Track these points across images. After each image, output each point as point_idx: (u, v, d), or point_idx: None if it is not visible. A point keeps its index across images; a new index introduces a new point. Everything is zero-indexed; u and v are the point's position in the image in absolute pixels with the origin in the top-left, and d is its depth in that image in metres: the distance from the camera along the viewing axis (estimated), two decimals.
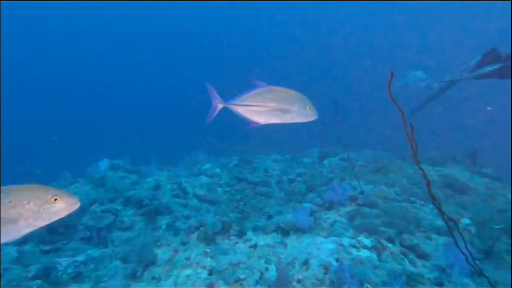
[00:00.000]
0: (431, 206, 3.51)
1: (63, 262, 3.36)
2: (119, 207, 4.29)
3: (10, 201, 1.39)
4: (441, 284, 2.42)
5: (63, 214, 1.48)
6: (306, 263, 2.81)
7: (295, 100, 2.09)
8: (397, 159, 6.08)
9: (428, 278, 2.50)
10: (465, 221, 2.88)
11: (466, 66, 5.05)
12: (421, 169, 1.84)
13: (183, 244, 3.78)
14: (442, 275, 2.50)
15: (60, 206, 1.47)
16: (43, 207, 1.43)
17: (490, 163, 5.76)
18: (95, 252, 3.63)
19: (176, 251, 3.68)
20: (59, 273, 3.21)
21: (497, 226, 2.72)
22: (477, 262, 2.60)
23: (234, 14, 30.48)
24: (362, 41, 26.54)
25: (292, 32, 29.86)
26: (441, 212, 1.84)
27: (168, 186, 4.94)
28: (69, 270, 3.27)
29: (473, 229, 2.82)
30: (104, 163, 5.42)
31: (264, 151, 8.36)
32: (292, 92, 2.12)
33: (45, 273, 3.20)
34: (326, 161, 6.83)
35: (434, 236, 3.02)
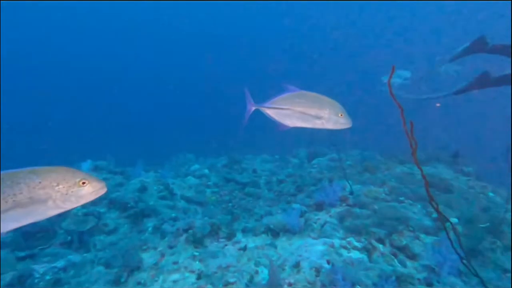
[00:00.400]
0: (419, 205, 3.55)
1: (40, 268, 3.18)
2: (102, 210, 4.12)
3: (40, 182, 1.40)
4: (431, 284, 2.43)
5: (90, 198, 1.50)
6: (297, 265, 2.77)
7: (325, 105, 2.07)
8: (384, 159, 6.16)
9: (418, 279, 2.51)
10: (453, 220, 2.92)
11: (452, 54, 4.96)
12: (419, 168, 1.84)
13: (171, 247, 3.67)
14: (431, 275, 2.52)
15: (88, 190, 1.48)
16: (71, 190, 1.44)
17: (471, 162, 5.91)
18: (75, 257, 3.47)
19: (163, 255, 3.57)
20: (36, 281, 3.03)
21: (482, 225, 2.76)
22: (465, 261, 2.65)
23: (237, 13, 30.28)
24: (353, 41, 26.96)
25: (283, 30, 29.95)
26: (438, 213, 1.84)
27: (155, 188, 4.80)
28: (47, 277, 3.10)
29: (460, 228, 2.86)
30: (86, 165, 5.21)
31: (252, 151, 8.31)
32: (323, 97, 2.10)
33: (20, 281, 3.02)
34: (314, 161, 6.84)
35: (422, 235, 3.04)
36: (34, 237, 3.55)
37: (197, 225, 3.76)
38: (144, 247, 3.73)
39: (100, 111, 22.19)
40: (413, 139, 1.79)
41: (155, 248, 3.73)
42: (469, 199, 4.19)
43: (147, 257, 3.58)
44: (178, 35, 30.73)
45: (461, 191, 4.34)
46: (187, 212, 4.55)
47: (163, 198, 4.69)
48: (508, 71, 4.25)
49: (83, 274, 3.27)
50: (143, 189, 4.68)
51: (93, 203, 4.25)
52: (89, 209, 3.98)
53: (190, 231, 3.69)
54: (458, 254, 1.85)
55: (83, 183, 1.46)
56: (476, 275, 1.82)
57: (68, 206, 1.46)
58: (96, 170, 5.08)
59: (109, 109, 23.12)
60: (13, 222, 1.40)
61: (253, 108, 2.20)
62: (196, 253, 3.45)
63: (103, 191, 1.53)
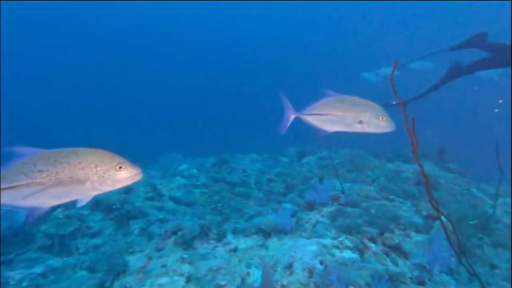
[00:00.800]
0: (409, 203, 3.58)
1: (17, 275, 2.99)
2: (85, 212, 3.94)
3: (79, 163, 1.44)
4: (423, 283, 2.44)
5: (126, 183, 1.52)
6: (289, 266, 2.72)
7: (366, 109, 2.03)
8: (372, 157, 6.22)
9: (410, 278, 2.51)
10: (444, 218, 2.94)
11: (451, 44, 4.94)
12: (420, 166, 1.82)
13: (158, 250, 3.54)
14: (423, 273, 2.52)
15: (123, 175, 1.50)
16: (108, 173, 1.47)
17: (456, 159, 6.04)
18: (56, 261, 3.29)
19: (150, 258, 3.44)
20: None
21: (471, 222, 2.80)
22: (454, 259, 2.67)
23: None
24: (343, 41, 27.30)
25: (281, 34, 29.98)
26: (438, 212, 1.82)
27: (142, 189, 4.64)
28: (24, 284, 2.91)
29: (449, 226, 2.88)
30: None
31: (241, 151, 8.23)
32: (364, 101, 2.07)
33: None
34: (304, 160, 6.83)
35: (412, 233, 3.06)
36: (9, 241, 3.34)
37: (186, 226, 3.65)
38: (130, 250, 3.59)
39: (84, 111, 21.72)
40: (415, 137, 1.76)
41: (142, 251, 3.60)
42: (456, 196, 4.27)
43: (134, 260, 3.45)
44: (174, 33, 30.43)
45: (448, 188, 4.42)
46: (176, 213, 4.42)
47: (150, 199, 4.55)
48: (479, 58, 4.36)
49: (64, 280, 3.11)
50: (129, 190, 4.52)
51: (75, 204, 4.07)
52: (71, 211, 3.80)
53: (179, 232, 3.58)
54: (456, 254, 1.84)
55: (120, 167, 1.49)
56: (474, 274, 1.82)
57: (104, 188, 1.49)
58: None
59: (93, 109, 22.63)
60: (53, 199, 1.45)
61: (293, 116, 2.17)
62: (185, 256, 3.35)
63: (138, 177, 1.54)
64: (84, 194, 1.48)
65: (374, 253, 2.79)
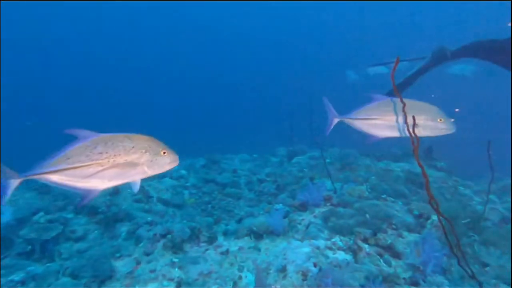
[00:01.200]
0: (400, 202, 3.59)
1: None
2: (69, 216, 3.77)
3: (133, 147, 1.53)
4: (417, 284, 2.43)
5: (167, 168, 1.61)
6: (282, 269, 2.66)
7: (421, 111, 1.89)
8: (362, 156, 6.25)
9: (404, 278, 2.50)
10: (436, 217, 2.96)
11: (414, 70, 4.86)
12: (421, 166, 1.79)
13: (147, 254, 3.42)
14: (416, 274, 2.51)
15: (167, 160, 1.60)
16: (155, 158, 1.57)
17: (443, 157, 6.15)
18: (37, 268, 3.12)
19: (138, 263, 3.32)
20: None
21: (463, 221, 2.82)
22: (446, 257, 2.68)
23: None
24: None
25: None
26: (438, 213, 1.80)
27: (129, 191, 4.48)
28: None
29: (443, 226, 2.90)
30: None
31: (231, 151, 8.13)
32: (417, 103, 1.92)
33: None
34: (294, 160, 6.80)
35: (405, 233, 3.06)
36: None
37: (176, 229, 3.54)
38: (117, 255, 3.45)
39: (67, 111, 21.25)
40: (415, 136, 1.73)
41: (129, 255, 3.47)
42: (444, 194, 4.32)
43: (121, 266, 3.31)
44: (163, 33, 30.07)
45: (437, 187, 4.47)
46: (165, 215, 4.30)
47: (138, 201, 4.40)
48: (463, 44, 4.30)
49: (45, 287, 2.95)
50: (115, 192, 4.35)
51: (59, 208, 3.89)
52: (54, 215, 3.62)
53: (169, 236, 3.47)
54: (455, 255, 1.82)
55: (164, 153, 1.59)
56: (474, 277, 1.81)
57: (150, 172, 1.58)
58: None
59: (83, 106, 22.25)
60: (108, 181, 1.53)
61: (337, 120, 2.08)
62: (175, 260, 3.24)
63: (176, 163, 1.63)
64: (133, 177, 1.57)
65: (368, 254, 2.77)
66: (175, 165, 1.63)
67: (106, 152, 1.49)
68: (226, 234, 3.69)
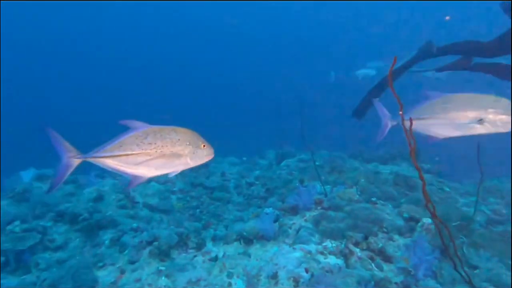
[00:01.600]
0: (390, 205, 3.59)
1: None
2: (48, 224, 3.56)
3: (178, 139, 1.65)
4: None
5: (205, 160, 1.73)
6: (274, 276, 2.59)
7: (487, 105, 1.68)
8: (351, 159, 6.28)
9: (396, 283, 2.47)
10: (427, 220, 2.97)
11: (401, 63, 4.80)
12: (418, 168, 1.75)
13: (132, 262, 3.28)
14: (408, 278, 2.50)
15: (205, 152, 1.71)
16: (196, 150, 1.68)
17: (429, 159, 6.25)
18: (10, 281, 2.91)
19: (122, 272, 3.18)
20: None
21: (454, 224, 2.83)
22: (437, 260, 2.68)
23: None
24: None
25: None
26: (434, 216, 1.77)
27: (113, 197, 4.30)
28: None
29: (433, 228, 2.91)
30: (28, 174, 4.49)
31: (219, 153, 8.01)
32: (481, 96, 1.72)
33: None
34: (283, 163, 6.76)
35: (396, 236, 3.05)
36: None
37: (163, 235, 3.41)
38: (100, 264, 3.29)
39: (67, 111, 20.90)
40: (412, 138, 1.70)
41: (113, 264, 3.32)
42: (431, 196, 4.36)
43: (104, 275, 3.16)
44: (164, 28, 29.73)
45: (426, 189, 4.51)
46: (151, 221, 4.15)
47: (122, 207, 4.23)
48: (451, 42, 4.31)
49: None
50: (99, 198, 4.17)
51: (37, 216, 3.68)
52: (31, 224, 3.41)
53: (155, 242, 3.34)
54: (453, 261, 1.80)
55: (204, 146, 1.70)
56: (470, 282, 1.79)
57: (192, 163, 1.70)
58: (41, 180, 4.42)
59: (79, 109, 21.81)
60: (154, 169, 1.66)
61: (391, 123, 1.93)
62: (162, 268, 3.12)
63: (212, 156, 1.75)
64: (176, 168, 1.69)
65: (359, 258, 2.74)
66: (211, 158, 1.75)
67: (155, 143, 1.61)
68: (215, 239, 3.58)
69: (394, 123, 1.93)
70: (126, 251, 3.46)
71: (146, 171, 1.66)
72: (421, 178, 1.74)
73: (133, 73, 28.34)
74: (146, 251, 3.33)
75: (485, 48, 3.78)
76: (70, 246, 3.53)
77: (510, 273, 2.46)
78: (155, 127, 1.64)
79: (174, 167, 1.69)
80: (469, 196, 4.54)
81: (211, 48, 30.81)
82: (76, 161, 1.59)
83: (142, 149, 1.60)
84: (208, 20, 29.16)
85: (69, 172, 1.58)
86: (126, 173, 1.65)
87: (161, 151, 1.62)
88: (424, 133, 1.89)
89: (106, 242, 3.64)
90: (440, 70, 4.49)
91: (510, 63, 3.47)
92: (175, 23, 29.96)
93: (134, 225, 3.90)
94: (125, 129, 1.64)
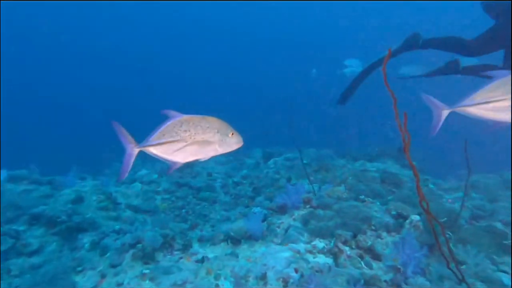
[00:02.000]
0: (378, 203, 3.59)
1: None
2: (22, 228, 3.35)
3: (208, 127, 1.73)
4: (398, 286, 2.39)
5: (234, 147, 1.80)
6: (262, 277, 2.52)
7: None
8: (338, 157, 6.30)
9: (385, 281, 2.45)
10: (415, 217, 2.97)
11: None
12: (412, 165, 1.71)
13: (114, 266, 3.13)
14: (397, 275, 2.48)
15: (234, 140, 1.79)
16: (225, 138, 1.76)
17: (414, 156, 6.33)
18: None
19: (103, 276, 3.02)
20: None
21: (441, 220, 2.84)
22: (424, 257, 2.69)
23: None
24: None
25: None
26: (428, 213, 1.74)
27: (94, 198, 4.10)
28: None
29: (421, 225, 2.92)
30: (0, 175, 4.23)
31: None
32: None
33: None
34: (271, 162, 6.71)
35: (384, 234, 3.04)
36: None
37: (147, 237, 3.27)
38: (79, 268, 3.12)
39: (67, 110, 20.36)
40: (407, 133, 1.66)
41: (93, 268, 3.15)
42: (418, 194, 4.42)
43: (83, 281, 3.00)
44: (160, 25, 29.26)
45: (411, 186, 4.56)
46: (134, 222, 3.99)
47: (104, 208, 4.04)
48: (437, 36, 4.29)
49: None
50: (78, 200, 3.96)
51: (9, 220, 3.46)
52: (3, 228, 3.19)
53: (139, 245, 3.20)
54: (446, 259, 1.78)
55: (232, 134, 1.77)
56: (463, 279, 1.78)
57: (221, 150, 1.78)
58: (14, 181, 4.15)
59: (79, 108, 21.32)
60: (189, 155, 1.76)
61: (447, 112, 1.69)
62: (146, 271, 2.98)
63: (241, 144, 1.81)
64: (207, 154, 1.77)
65: (349, 256, 2.70)
66: (240, 145, 1.80)
67: (189, 130, 1.71)
68: (201, 240, 3.48)
69: (448, 111, 1.71)
70: (108, 254, 3.30)
71: (182, 157, 1.75)
72: (415, 175, 1.71)
73: (132, 73, 28.27)
74: (129, 254, 3.18)
75: (468, 45, 3.84)
76: (46, 250, 3.33)
77: (496, 268, 2.49)
78: (188, 116, 1.73)
79: (205, 153, 1.77)
80: (453, 192, 4.63)
81: (205, 47, 30.58)
82: (136, 150, 1.71)
83: (180, 136, 1.71)
84: (199, 18, 28.94)
85: (132, 160, 1.71)
86: (167, 160, 1.75)
87: (194, 138, 1.71)
88: (489, 118, 1.62)
89: (86, 245, 3.47)
90: (430, 75, 4.51)
91: (499, 65, 3.51)
92: (175, 23, 29.69)
93: (117, 227, 3.74)
94: (164, 118, 1.73)
